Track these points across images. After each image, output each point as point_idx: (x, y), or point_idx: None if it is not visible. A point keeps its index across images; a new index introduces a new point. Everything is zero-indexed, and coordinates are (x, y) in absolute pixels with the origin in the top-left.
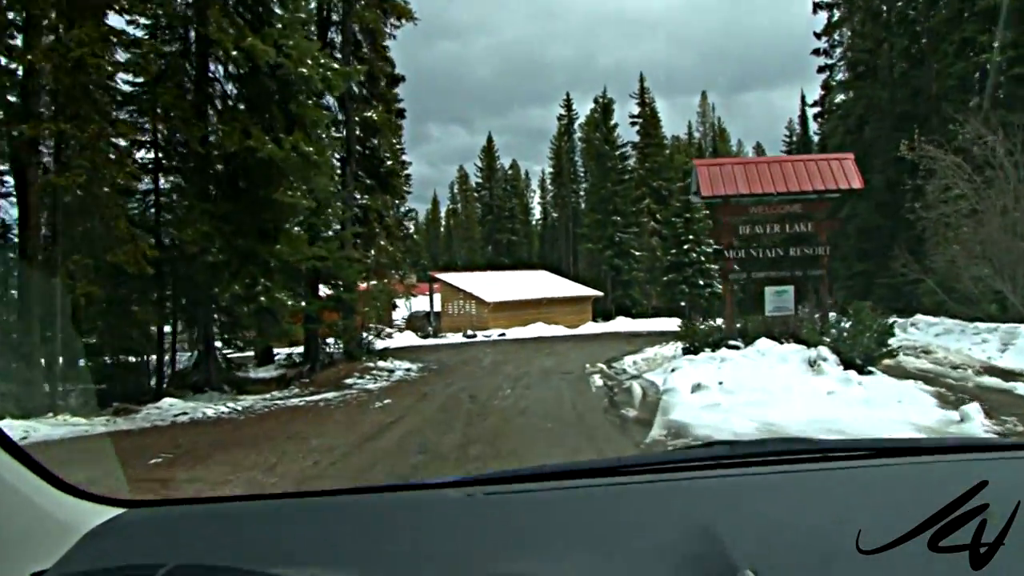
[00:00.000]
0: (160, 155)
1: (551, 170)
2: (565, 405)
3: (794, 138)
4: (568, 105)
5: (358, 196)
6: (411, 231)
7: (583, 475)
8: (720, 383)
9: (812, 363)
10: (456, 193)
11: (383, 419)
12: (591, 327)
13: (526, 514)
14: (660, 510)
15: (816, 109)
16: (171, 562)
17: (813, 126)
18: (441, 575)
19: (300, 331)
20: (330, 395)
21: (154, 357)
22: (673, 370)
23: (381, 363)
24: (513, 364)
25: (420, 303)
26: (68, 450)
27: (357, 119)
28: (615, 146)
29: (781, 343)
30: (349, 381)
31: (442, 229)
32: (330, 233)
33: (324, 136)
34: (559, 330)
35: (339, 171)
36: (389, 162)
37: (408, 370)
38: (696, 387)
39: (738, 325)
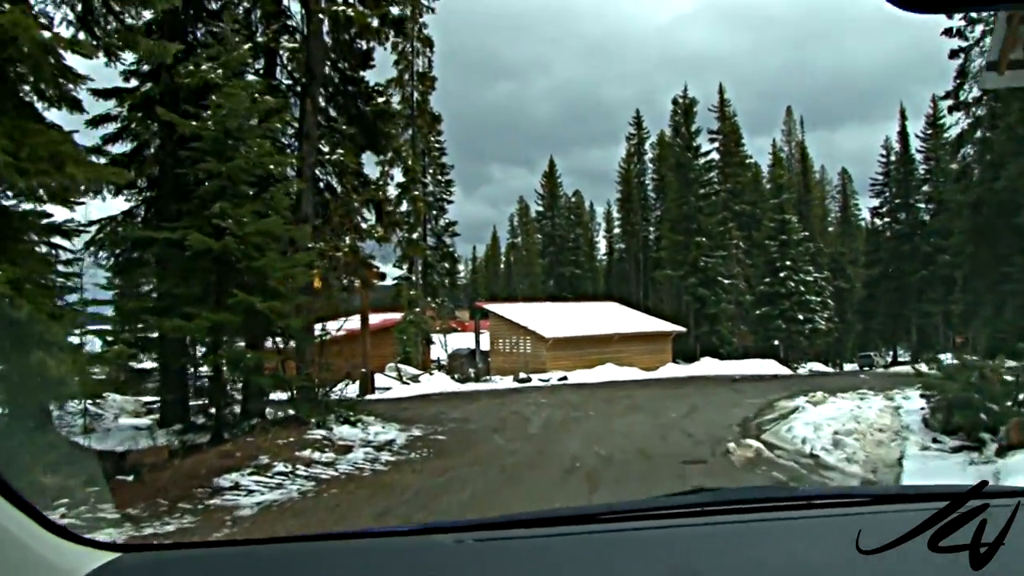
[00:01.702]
0: None
1: (618, 195)
2: None
3: (892, 157)
4: (638, 123)
5: (325, 147)
6: (452, 249)
7: (573, 521)
8: None
9: None
10: (516, 226)
11: None
12: (672, 369)
13: (517, 561)
14: (650, 556)
15: (948, 102)
16: None
17: (916, 143)
18: None
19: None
20: None
21: None
22: None
23: (346, 429)
24: (580, 430)
25: (466, 340)
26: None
27: (323, 14)
28: (698, 154)
29: None
30: (228, 479)
31: (501, 266)
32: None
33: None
34: (633, 373)
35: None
36: (380, 99)
37: (388, 444)
38: None
39: None
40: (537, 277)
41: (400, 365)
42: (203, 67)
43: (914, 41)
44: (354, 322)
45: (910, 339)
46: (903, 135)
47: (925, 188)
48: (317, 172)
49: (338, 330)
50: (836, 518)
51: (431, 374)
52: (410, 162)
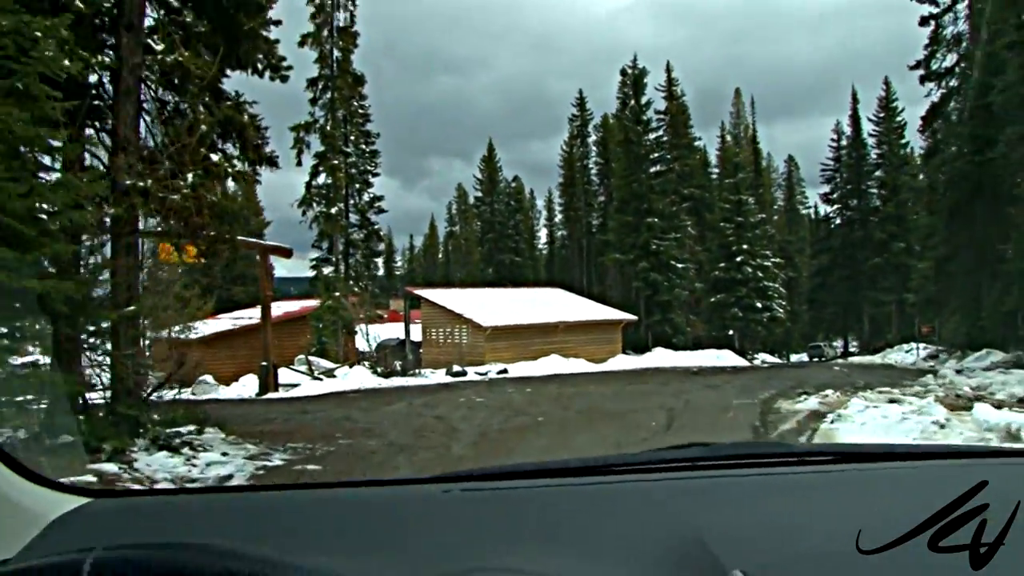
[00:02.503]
0: None
1: (560, 180)
2: None
3: (843, 143)
4: (581, 104)
5: (158, 46)
6: (377, 227)
7: (564, 474)
8: None
9: None
10: (454, 214)
11: None
12: (624, 361)
13: (503, 511)
14: (644, 510)
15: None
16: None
17: (868, 127)
18: (416, 568)
19: None
20: None
21: None
22: None
23: (161, 458)
24: (530, 449)
25: (397, 331)
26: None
27: None
28: (647, 128)
29: None
30: None
31: (440, 255)
32: None
33: None
34: (581, 365)
35: None
36: None
37: (221, 482)
38: None
39: None
40: (476, 265)
41: (312, 358)
42: None
43: (853, 34)
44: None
45: (861, 329)
46: (855, 119)
47: (878, 173)
48: (148, 81)
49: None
50: (832, 474)
51: (351, 367)
52: (328, 127)
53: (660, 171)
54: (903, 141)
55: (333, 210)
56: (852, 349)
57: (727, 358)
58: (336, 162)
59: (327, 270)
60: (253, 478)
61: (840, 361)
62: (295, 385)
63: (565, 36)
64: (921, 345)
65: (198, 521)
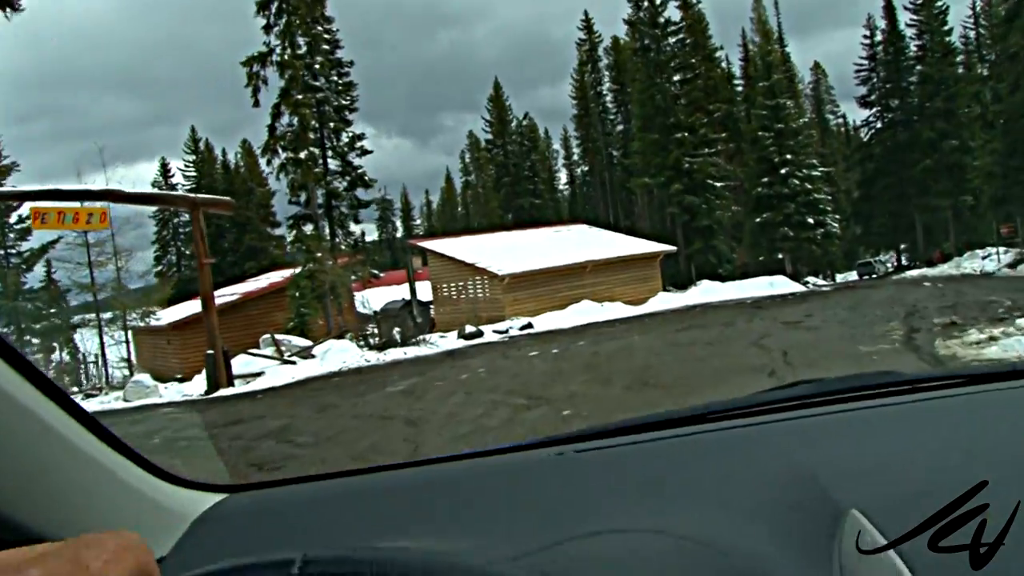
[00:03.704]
0: None
1: (574, 111)
2: None
3: (877, 37)
4: (588, 27)
5: None
6: (362, 171)
7: (671, 424)
8: None
9: None
10: (468, 163)
11: None
12: (665, 300)
13: (619, 469)
14: (754, 454)
15: None
16: (293, 545)
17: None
18: (540, 535)
19: None
20: None
21: None
22: None
23: None
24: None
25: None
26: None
27: None
28: (667, 31)
29: None
30: None
31: (459, 208)
32: None
33: None
34: (617, 310)
35: None
36: None
37: None
38: None
39: None
40: (494, 213)
41: (283, 337)
42: None
43: None
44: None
45: (913, 240)
46: (889, 8)
47: (920, 67)
48: None
49: None
50: (952, 399)
51: (338, 338)
52: (286, 56)
53: (686, 79)
54: (946, 27)
55: (302, 154)
56: (904, 263)
57: (781, 284)
58: (300, 98)
59: (307, 228)
60: None
61: (911, 275)
62: (256, 375)
63: None
64: (1001, 249)
65: (330, 506)
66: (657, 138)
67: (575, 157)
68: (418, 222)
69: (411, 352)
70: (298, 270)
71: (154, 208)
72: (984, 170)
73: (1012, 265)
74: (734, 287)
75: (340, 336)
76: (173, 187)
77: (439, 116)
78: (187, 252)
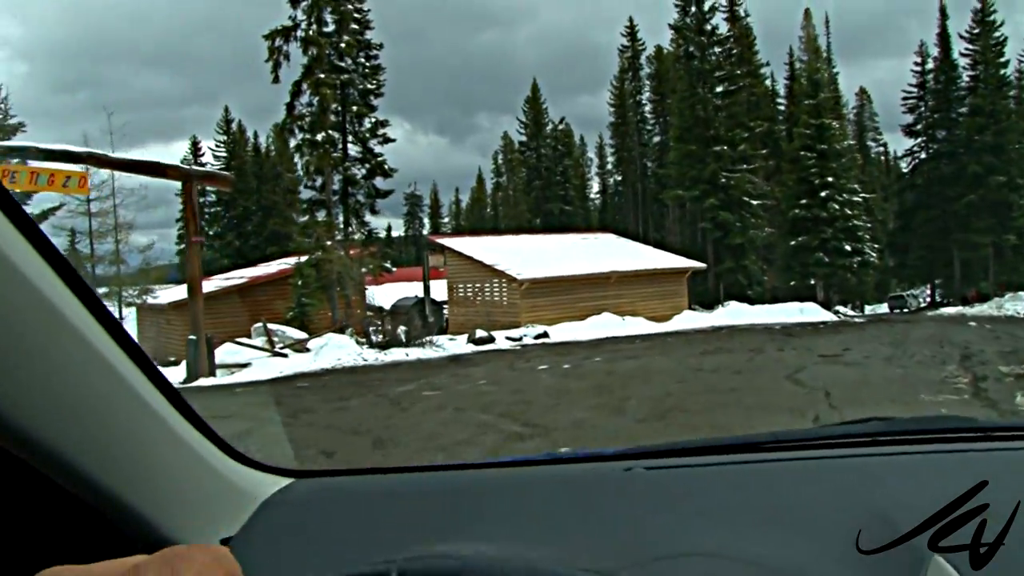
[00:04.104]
0: None
1: (611, 119)
2: None
3: (928, 65)
4: (632, 33)
5: None
6: (383, 160)
7: (741, 449)
8: None
9: None
10: (500, 164)
11: None
12: (690, 318)
13: (688, 489)
14: (823, 486)
15: None
16: (357, 537)
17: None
18: (623, 551)
19: None
20: None
21: None
22: None
23: None
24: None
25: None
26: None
27: None
28: (712, 39)
29: None
30: None
31: (488, 209)
32: None
33: None
34: (638, 325)
35: None
36: None
37: None
38: None
39: None
40: (522, 216)
41: (276, 326)
42: None
43: None
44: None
45: (950, 276)
46: (943, 36)
47: (970, 99)
48: None
49: None
50: (1020, 452)
51: (340, 332)
52: (311, 32)
53: (728, 91)
54: (1002, 59)
55: (319, 136)
56: (938, 299)
57: (812, 312)
58: (323, 77)
59: (321, 215)
60: None
61: (948, 312)
62: (243, 365)
63: None
64: None
65: (396, 500)
66: (694, 149)
67: (609, 167)
68: (446, 220)
69: (414, 353)
70: (304, 258)
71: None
72: None
73: None
74: (763, 311)
75: (340, 331)
76: (203, 166)
77: (476, 116)
78: (210, 232)
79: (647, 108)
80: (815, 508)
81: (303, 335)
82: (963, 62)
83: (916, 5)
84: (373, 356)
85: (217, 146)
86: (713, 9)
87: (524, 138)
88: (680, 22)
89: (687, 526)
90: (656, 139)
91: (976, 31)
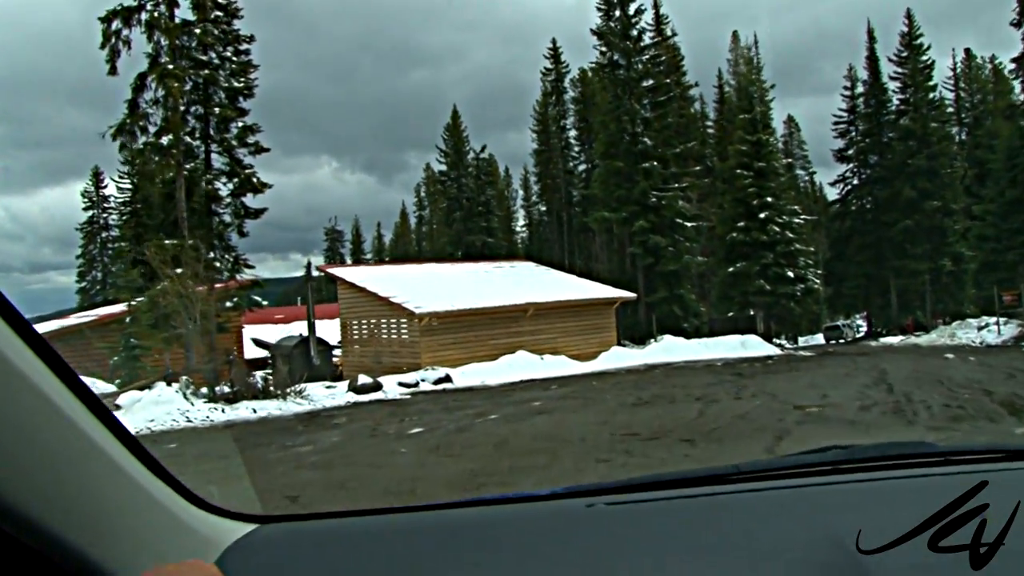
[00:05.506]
0: None
1: (535, 146)
2: None
3: (858, 89)
4: (555, 56)
5: None
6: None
7: (703, 482)
8: None
9: None
10: (423, 197)
11: None
12: (620, 356)
13: (651, 524)
14: (785, 518)
15: None
16: None
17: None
18: None
19: None
20: None
21: None
22: None
23: None
24: None
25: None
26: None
27: None
28: (639, 44)
29: None
30: None
31: (412, 246)
32: None
33: None
34: (560, 365)
35: None
36: None
37: None
38: None
39: None
40: (444, 249)
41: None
42: None
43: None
44: None
45: (887, 305)
46: (871, 60)
47: (902, 122)
48: None
49: None
50: (977, 475)
51: (167, 384)
52: (157, 14)
53: (657, 101)
54: (931, 83)
55: (164, 140)
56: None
57: (755, 345)
58: (171, 67)
59: (168, 241)
60: None
61: (890, 341)
62: None
63: (536, 24)
64: (1001, 319)
65: (366, 545)
66: (622, 166)
67: (534, 198)
68: (369, 256)
69: (266, 409)
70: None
71: (82, 221)
72: (974, 232)
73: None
74: (700, 345)
75: (168, 382)
76: (106, 199)
77: (404, 153)
78: (113, 269)
79: (572, 134)
80: (779, 538)
81: (111, 388)
82: (892, 85)
83: (842, 44)
84: (204, 414)
85: (121, 177)
86: (639, 12)
87: (444, 167)
88: (603, 27)
89: (651, 560)
90: (582, 167)
91: (904, 54)
